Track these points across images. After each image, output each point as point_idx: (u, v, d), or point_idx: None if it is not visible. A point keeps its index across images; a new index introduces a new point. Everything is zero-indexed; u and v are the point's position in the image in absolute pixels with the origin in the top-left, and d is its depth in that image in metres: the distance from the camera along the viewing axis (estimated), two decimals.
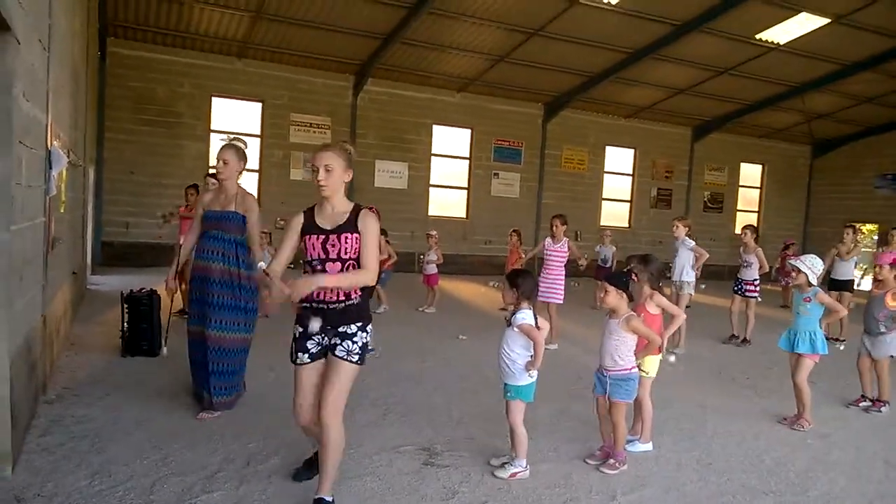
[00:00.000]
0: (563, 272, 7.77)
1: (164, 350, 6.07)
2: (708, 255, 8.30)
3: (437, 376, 6.13)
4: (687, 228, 8.13)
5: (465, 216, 17.35)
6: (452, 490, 3.60)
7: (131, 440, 4.01)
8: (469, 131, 17.17)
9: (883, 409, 5.76)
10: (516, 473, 3.82)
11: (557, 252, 7.76)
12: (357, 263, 3.13)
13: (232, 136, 4.85)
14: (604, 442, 4.20)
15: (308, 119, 15.14)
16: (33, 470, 3.50)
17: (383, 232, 10.03)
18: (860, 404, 5.88)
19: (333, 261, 3.12)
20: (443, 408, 5.11)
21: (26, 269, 3.90)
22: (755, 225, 10.63)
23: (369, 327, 3.26)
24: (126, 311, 6.11)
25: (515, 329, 3.79)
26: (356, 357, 3.17)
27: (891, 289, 5.78)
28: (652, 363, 4.43)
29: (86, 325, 7.36)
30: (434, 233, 10.98)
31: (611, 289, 4.04)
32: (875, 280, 6.07)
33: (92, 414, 4.43)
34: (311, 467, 3.59)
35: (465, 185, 17.39)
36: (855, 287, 9.72)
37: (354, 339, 3.17)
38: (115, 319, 6.73)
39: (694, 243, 8.14)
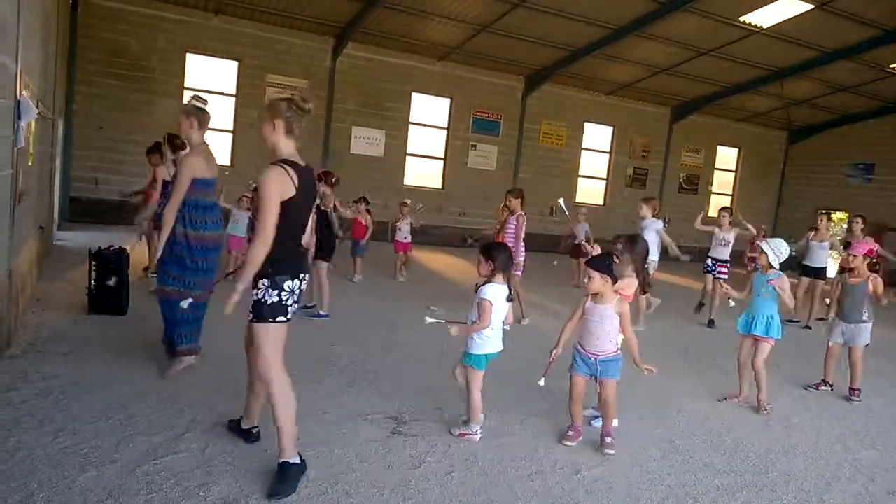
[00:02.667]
0: (518, 245, 7.60)
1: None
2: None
3: (407, 346, 6.16)
4: (653, 209, 8.21)
5: (440, 187, 17.28)
6: (419, 459, 3.65)
7: (96, 398, 3.97)
8: (448, 101, 16.99)
9: (860, 396, 5.88)
10: (465, 434, 3.96)
11: (510, 226, 7.68)
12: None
13: (194, 95, 4.71)
14: (573, 422, 4.21)
15: (285, 81, 14.80)
16: None
17: (365, 200, 9.99)
18: (820, 388, 6.03)
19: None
20: (411, 377, 5.16)
21: None
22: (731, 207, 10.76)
23: (264, 282, 3.14)
24: (93, 268, 6.00)
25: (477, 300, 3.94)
26: (251, 315, 3.21)
27: (869, 277, 5.89)
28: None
29: (52, 282, 7.21)
30: (408, 201, 10.93)
31: (594, 274, 4.04)
32: (846, 269, 6.18)
33: (56, 371, 4.37)
34: (235, 429, 3.66)
35: (442, 156, 17.28)
36: (827, 275, 9.89)
37: (254, 296, 3.19)
38: (81, 277, 6.60)
39: (661, 226, 8.23)
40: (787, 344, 6.40)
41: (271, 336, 3.19)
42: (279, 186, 3.09)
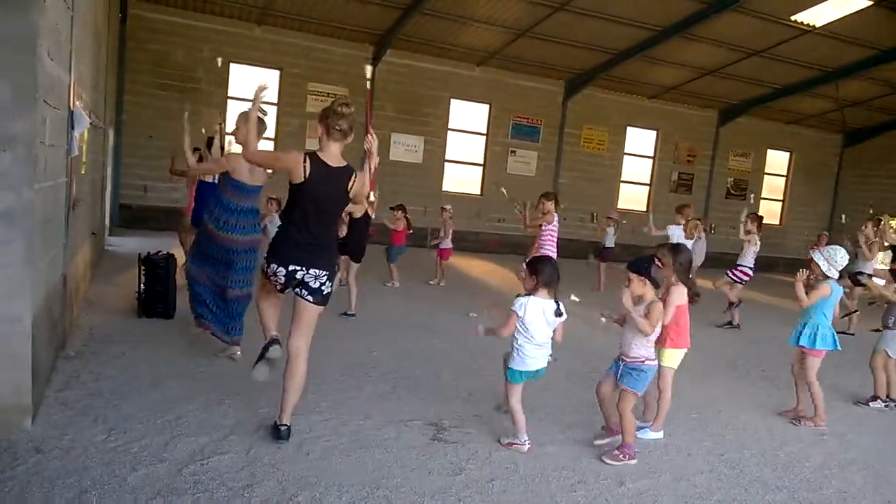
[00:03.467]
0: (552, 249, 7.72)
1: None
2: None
3: (447, 353, 6.14)
4: (685, 220, 8.22)
5: (479, 193, 17.24)
6: (459, 466, 3.62)
7: (146, 399, 4.07)
8: (487, 106, 16.95)
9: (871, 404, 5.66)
10: (513, 444, 3.92)
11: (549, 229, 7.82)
12: None
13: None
14: (605, 422, 4.20)
15: (326, 89, 15.02)
16: (52, 423, 3.58)
17: (402, 207, 10.05)
18: (870, 404, 5.71)
19: None
20: (451, 384, 5.13)
21: (48, 228, 3.93)
22: (758, 213, 10.33)
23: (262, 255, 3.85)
24: (143, 273, 6.17)
25: None
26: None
27: None
28: (672, 356, 4.38)
29: (103, 286, 7.45)
30: (448, 207, 10.94)
31: (633, 276, 3.98)
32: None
33: (108, 372, 4.50)
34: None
35: (481, 162, 17.24)
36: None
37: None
38: (131, 281, 6.80)
39: (678, 236, 8.15)
40: (838, 356, 6.13)
41: (261, 280, 3.81)
42: (289, 158, 3.57)
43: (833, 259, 4.94)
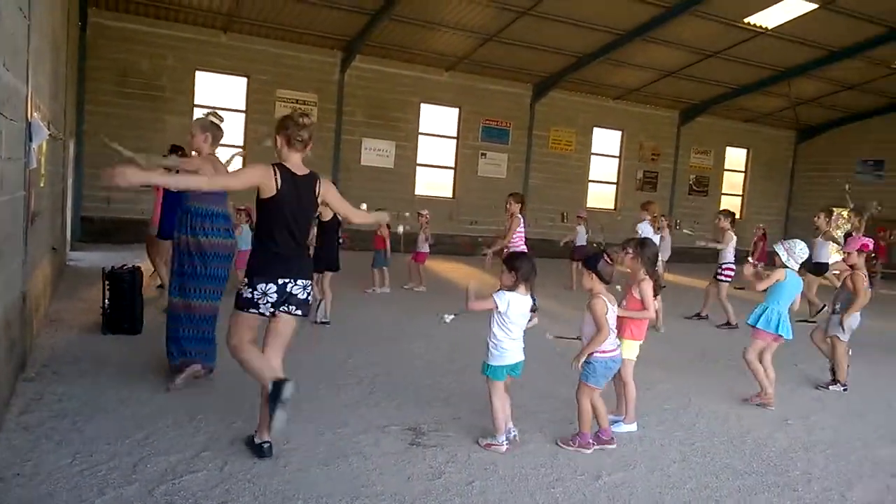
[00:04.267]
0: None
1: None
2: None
3: (423, 357, 6.13)
4: (651, 215, 8.41)
5: (451, 196, 17.29)
6: (439, 470, 3.61)
7: (113, 419, 3.96)
8: (457, 110, 17.04)
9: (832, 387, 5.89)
10: (490, 445, 3.92)
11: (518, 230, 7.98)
12: None
13: (209, 112, 4.77)
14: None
15: (294, 95, 14.91)
16: (13, 449, 3.45)
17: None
18: (830, 388, 5.92)
19: None
20: (429, 387, 5.12)
21: (6, 244, 3.81)
22: (730, 210, 10.52)
23: (244, 280, 3.58)
24: (107, 287, 6.02)
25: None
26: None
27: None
28: (630, 347, 4.48)
29: (66, 302, 7.25)
30: (425, 212, 10.95)
31: (584, 270, 4.13)
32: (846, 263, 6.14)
33: (72, 392, 4.37)
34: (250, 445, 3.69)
35: (452, 165, 17.30)
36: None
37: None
38: (95, 296, 6.63)
39: (646, 232, 8.31)
40: (803, 341, 6.31)
41: (238, 322, 3.56)
42: (257, 172, 3.48)
43: (793, 251, 5.19)
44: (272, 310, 3.55)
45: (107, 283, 6.02)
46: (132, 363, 5.13)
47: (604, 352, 4.04)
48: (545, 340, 5.55)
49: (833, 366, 5.98)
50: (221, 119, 4.79)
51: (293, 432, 3.93)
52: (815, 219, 9.86)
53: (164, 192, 7.27)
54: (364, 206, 3.54)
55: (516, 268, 3.90)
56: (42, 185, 6.01)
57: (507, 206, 8.06)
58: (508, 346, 3.92)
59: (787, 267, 5.21)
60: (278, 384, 3.33)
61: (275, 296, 3.51)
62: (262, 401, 3.55)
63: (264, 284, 3.49)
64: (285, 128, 3.54)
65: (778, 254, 5.23)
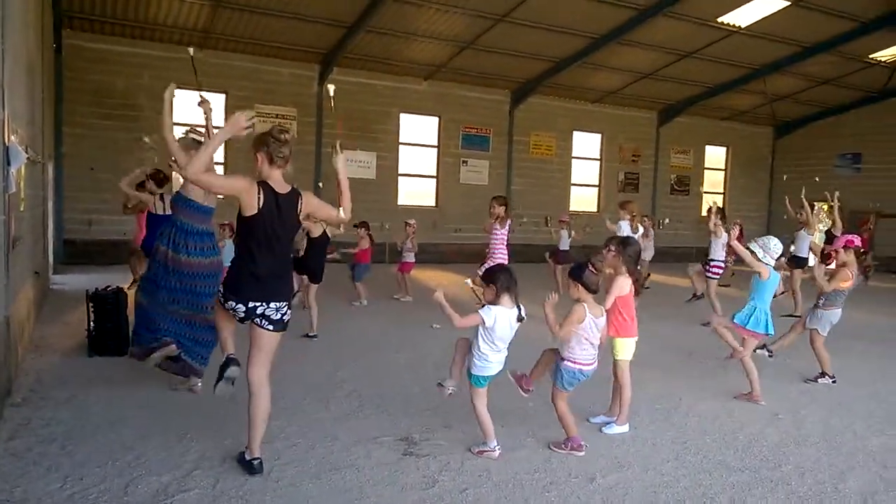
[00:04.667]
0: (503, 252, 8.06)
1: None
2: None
3: (412, 365, 6.13)
4: (629, 214, 8.50)
5: (434, 204, 17.31)
6: (432, 479, 3.61)
7: (102, 441, 3.92)
8: (436, 119, 17.09)
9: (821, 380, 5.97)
10: (483, 451, 3.94)
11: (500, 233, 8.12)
12: None
13: (188, 129, 4.78)
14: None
15: (273, 110, 14.88)
16: (2, 475, 3.41)
17: (365, 224, 10.00)
18: (819, 381, 6.00)
19: None
20: (419, 397, 5.12)
21: None
22: (720, 206, 10.70)
23: (220, 290, 3.68)
24: (91, 309, 5.96)
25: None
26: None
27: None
28: (622, 347, 4.51)
29: (50, 326, 7.16)
30: (412, 222, 10.94)
31: (569, 281, 4.17)
32: (833, 261, 6.20)
33: (60, 416, 4.32)
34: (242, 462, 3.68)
35: (434, 174, 17.34)
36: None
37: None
38: (79, 319, 6.56)
39: (625, 231, 8.41)
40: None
41: (218, 306, 3.68)
42: (242, 183, 3.43)
43: (767, 247, 5.26)
44: (243, 320, 3.59)
45: (91, 305, 5.96)
46: (119, 385, 5.07)
47: (576, 362, 4.08)
48: (535, 346, 5.56)
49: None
50: (202, 135, 4.79)
51: (284, 447, 3.92)
52: (798, 214, 10.01)
53: (148, 216, 7.23)
54: (342, 210, 3.46)
55: (493, 280, 3.92)
56: (22, 209, 5.95)
57: (491, 209, 8.13)
58: (493, 359, 3.93)
59: (765, 263, 5.27)
60: (225, 363, 3.62)
61: (243, 314, 3.53)
62: (249, 417, 3.54)
63: (233, 302, 3.51)
64: (265, 145, 3.48)
65: (755, 251, 5.27)
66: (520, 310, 3.91)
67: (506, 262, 7.56)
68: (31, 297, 6.68)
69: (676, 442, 4.36)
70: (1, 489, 3.25)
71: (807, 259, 9.97)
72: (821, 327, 5.95)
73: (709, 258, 9.03)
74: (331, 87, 4.41)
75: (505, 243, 8.03)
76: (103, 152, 13.30)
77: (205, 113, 4.94)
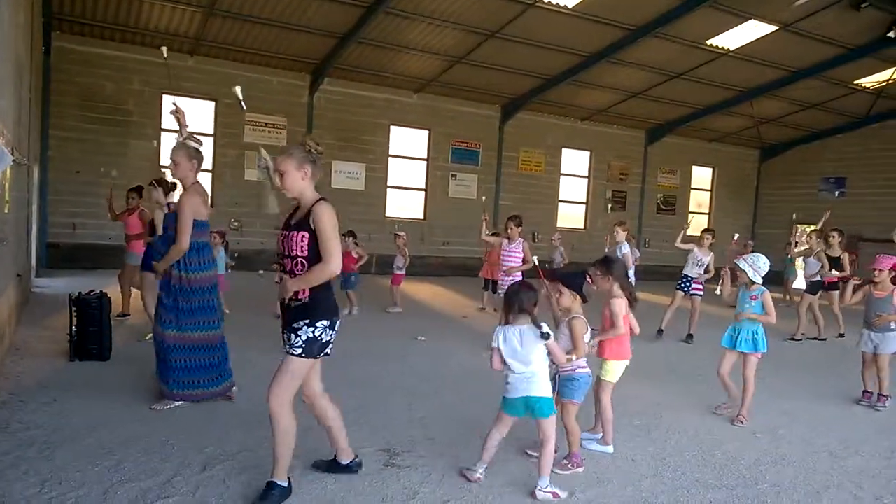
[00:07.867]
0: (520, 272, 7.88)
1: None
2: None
3: (396, 377, 6.13)
4: (626, 233, 8.55)
5: (422, 217, 17.36)
6: (413, 490, 3.61)
7: (82, 446, 3.89)
8: (426, 132, 17.19)
9: (887, 403, 6.01)
10: (463, 472, 3.84)
11: (513, 252, 7.90)
12: (306, 261, 3.24)
13: (187, 136, 4.75)
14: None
15: (263, 118, 14.91)
16: None
17: (352, 234, 10.00)
18: (870, 400, 6.09)
19: (286, 257, 3.30)
20: (402, 409, 5.12)
21: None
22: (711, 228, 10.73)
23: (321, 322, 3.30)
24: (74, 314, 5.91)
25: None
26: (297, 350, 3.28)
27: (893, 290, 5.99)
28: (613, 368, 4.49)
29: (31, 330, 7.08)
30: (402, 234, 10.96)
31: (564, 290, 4.10)
32: (871, 282, 6.26)
33: (40, 420, 4.28)
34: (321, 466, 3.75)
35: (423, 187, 17.40)
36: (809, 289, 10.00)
37: (299, 332, 3.27)
38: (62, 323, 6.51)
39: (627, 250, 8.45)
40: (767, 356, 6.45)
41: (303, 372, 3.35)
42: (335, 220, 3.29)
43: (756, 265, 5.26)
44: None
45: (74, 309, 5.92)
46: (101, 389, 5.04)
47: (582, 367, 4.09)
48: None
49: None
50: (201, 143, 4.78)
51: (264, 457, 3.89)
52: (807, 238, 10.12)
53: (150, 225, 7.17)
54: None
55: (506, 301, 3.81)
56: (6, 211, 5.92)
57: (508, 229, 8.05)
58: (511, 380, 3.74)
59: (754, 283, 5.27)
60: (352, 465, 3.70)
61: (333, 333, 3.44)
62: (323, 425, 3.71)
63: (336, 319, 3.39)
64: (311, 162, 3.37)
65: (745, 271, 5.26)
66: (540, 328, 3.61)
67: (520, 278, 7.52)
68: (12, 300, 6.61)
69: (656, 458, 4.39)
70: None
71: (820, 283, 9.85)
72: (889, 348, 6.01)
73: (693, 277, 9.08)
74: (237, 89, 4.37)
75: (519, 262, 7.92)
76: (89, 156, 13.25)
77: (178, 121, 4.89)
